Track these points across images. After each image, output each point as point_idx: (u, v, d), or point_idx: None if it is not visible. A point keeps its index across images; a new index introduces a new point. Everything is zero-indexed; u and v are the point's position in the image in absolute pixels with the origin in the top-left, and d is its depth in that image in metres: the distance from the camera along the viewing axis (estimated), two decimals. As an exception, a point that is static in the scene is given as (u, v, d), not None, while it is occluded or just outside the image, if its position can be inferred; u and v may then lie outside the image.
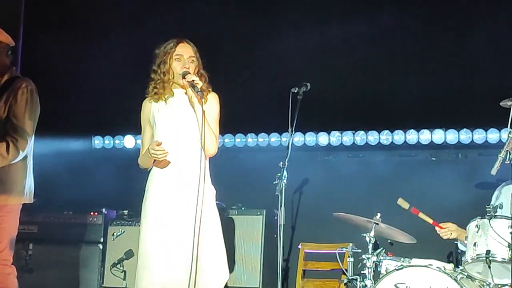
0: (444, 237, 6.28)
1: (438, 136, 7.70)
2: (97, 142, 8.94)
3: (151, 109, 5.16)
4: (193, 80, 4.96)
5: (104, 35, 8.67)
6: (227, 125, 7.43)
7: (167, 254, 4.91)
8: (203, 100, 4.97)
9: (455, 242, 6.41)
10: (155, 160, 5.04)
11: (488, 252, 5.41)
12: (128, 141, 8.69)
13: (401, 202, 6.35)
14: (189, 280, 4.77)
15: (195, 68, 5.11)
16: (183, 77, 5.01)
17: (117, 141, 8.87)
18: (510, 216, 5.29)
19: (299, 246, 7.44)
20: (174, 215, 4.97)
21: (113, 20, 8.70)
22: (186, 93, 5.07)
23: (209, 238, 4.94)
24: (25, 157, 5.38)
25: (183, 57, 5.08)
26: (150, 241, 4.98)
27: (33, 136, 5.42)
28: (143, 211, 5.10)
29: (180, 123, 5.06)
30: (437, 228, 6.27)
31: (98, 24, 8.70)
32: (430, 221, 6.29)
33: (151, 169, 5.15)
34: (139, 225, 5.13)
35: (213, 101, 5.15)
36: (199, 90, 4.93)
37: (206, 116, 4.98)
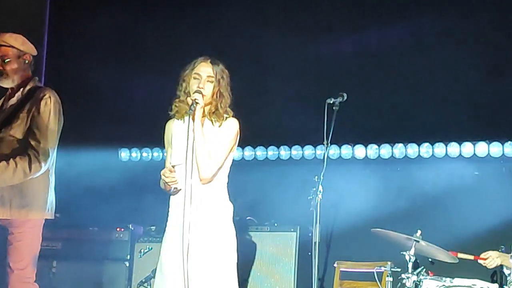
0: (491, 267, 6.10)
1: (482, 149, 7.61)
2: (124, 154, 8.91)
3: (171, 129, 5.06)
4: (195, 99, 4.81)
5: (131, 44, 8.74)
6: (260, 137, 7.70)
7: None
8: (190, 118, 4.78)
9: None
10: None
11: (535, 271, 5.33)
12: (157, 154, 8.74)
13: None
14: None
15: (214, 88, 4.93)
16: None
17: (144, 154, 8.85)
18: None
19: (335, 265, 7.38)
20: (176, 249, 4.79)
21: (140, 28, 8.75)
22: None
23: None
24: (47, 170, 5.27)
25: (201, 77, 4.92)
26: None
27: (56, 148, 5.32)
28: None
29: (190, 145, 4.86)
30: (480, 261, 6.11)
31: (125, 35, 8.76)
32: (471, 257, 6.15)
33: None
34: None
35: (228, 126, 4.93)
36: (192, 109, 4.76)
37: (214, 139, 4.84)
